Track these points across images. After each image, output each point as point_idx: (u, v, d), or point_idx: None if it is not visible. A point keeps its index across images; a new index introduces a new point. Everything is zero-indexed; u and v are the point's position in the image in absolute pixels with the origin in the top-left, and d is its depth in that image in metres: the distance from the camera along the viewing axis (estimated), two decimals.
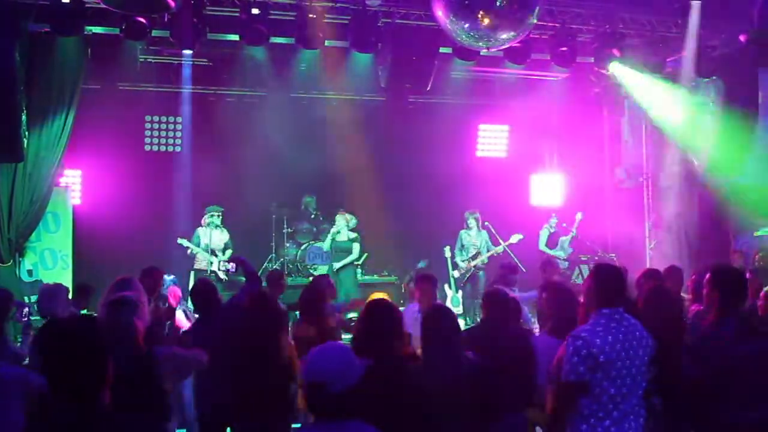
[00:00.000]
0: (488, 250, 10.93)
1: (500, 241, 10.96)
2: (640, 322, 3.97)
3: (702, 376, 3.87)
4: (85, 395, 2.50)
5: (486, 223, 11.15)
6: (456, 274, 10.90)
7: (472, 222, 11.03)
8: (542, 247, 11.49)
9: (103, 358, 2.56)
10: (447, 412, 3.74)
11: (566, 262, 11.33)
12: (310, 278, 10.95)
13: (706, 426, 3.90)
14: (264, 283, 7.14)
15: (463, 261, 10.95)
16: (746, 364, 3.82)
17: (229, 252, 10.45)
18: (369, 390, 2.74)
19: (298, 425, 5.39)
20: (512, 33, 7.43)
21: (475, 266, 10.91)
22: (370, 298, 6.08)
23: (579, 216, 11.45)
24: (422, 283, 6.08)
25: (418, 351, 4.24)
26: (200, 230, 10.48)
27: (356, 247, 10.97)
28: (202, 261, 10.39)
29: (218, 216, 10.47)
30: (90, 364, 2.53)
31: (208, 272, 10.24)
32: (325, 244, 11.16)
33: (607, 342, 3.57)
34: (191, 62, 10.69)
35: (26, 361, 5.39)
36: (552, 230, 11.61)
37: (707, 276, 4.09)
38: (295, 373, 4.88)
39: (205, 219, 10.46)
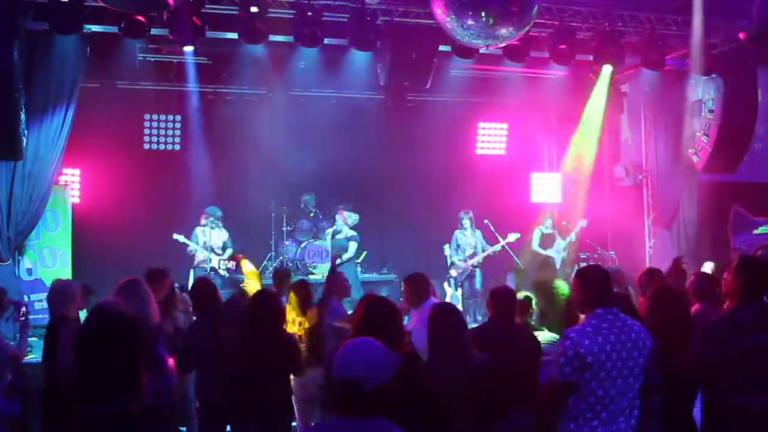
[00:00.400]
0: (483, 250, 10.95)
1: (499, 239, 10.98)
2: (641, 321, 3.96)
3: (715, 358, 3.87)
4: (108, 397, 2.46)
5: (485, 221, 11.16)
6: (453, 273, 10.91)
7: (466, 222, 11.02)
8: (535, 247, 11.47)
9: (131, 360, 2.52)
10: (454, 409, 3.74)
11: (560, 262, 11.32)
12: (309, 276, 10.99)
13: (715, 408, 3.91)
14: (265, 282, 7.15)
15: (460, 260, 10.96)
16: (761, 353, 3.82)
17: (229, 251, 10.46)
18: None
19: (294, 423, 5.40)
20: (512, 31, 7.44)
21: (472, 265, 10.93)
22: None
23: (582, 223, 11.43)
24: (410, 283, 6.04)
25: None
26: (198, 230, 10.49)
27: (353, 246, 10.98)
28: (200, 256, 10.40)
29: (215, 219, 10.48)
30: (119, 365, 2.48)
31: (208, 269, 10.28)
32: (326, 243, 11.20)
33: (596, 343, 3.54)
34: (190, 60, 10.66)
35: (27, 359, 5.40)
36: (546, 231, 11.58)
37: (734, 263, 4.12)
38: (298, 370, 4.89)
39: (203, 219, 10.48)
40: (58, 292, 5.05)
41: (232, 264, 10.26)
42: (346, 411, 2.54)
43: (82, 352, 2.52)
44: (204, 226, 10.46)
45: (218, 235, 10.54)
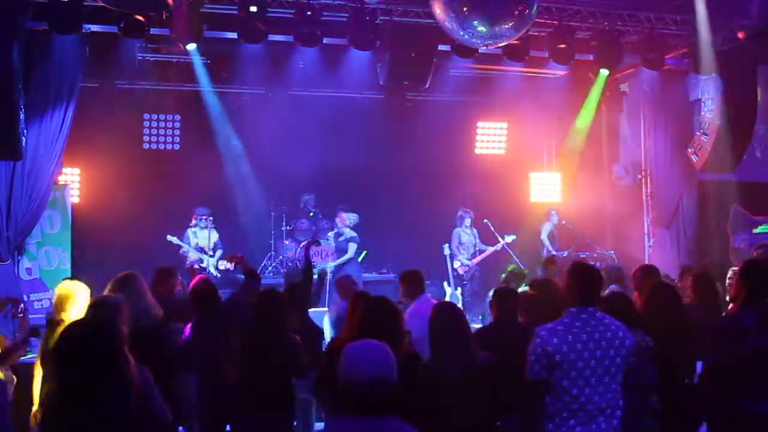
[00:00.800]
0: (481, 250, 11.05)
1: (499, 239, 11.02)
2: (640, 320, 3.94)
3: (720, 363, 3.86)
4: (97, 398, 2.45)
5: (485, 221, 11.20)
6: (461, 271, 10.96)
7: (468, 220, 11.10)
8: (544, 237, 11.53)
9: (114, 361, 2.50)
10: (456, 408, 3.74)
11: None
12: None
13: (722, 413, 3.89)
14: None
15: (466, 259, 11.01)
16: (764, 355, 3.81)
17: (219, 252, 10.52)
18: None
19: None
20: (511, 31, 7.44)
21: (476, 263, 11.03)
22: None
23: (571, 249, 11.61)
24: (404, 279, 6.09)
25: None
26: (189, 231, 10.55)
27: (352, 247, 11.02)
28: (192, 257, 10.46)
29: (206, 218, 10.54)
30: (101, 368, 2.48)
31: (207, 270, 10.31)
32: (328, 243, 11.27)
33: (565, 341, 3.53)
34: (190, 60, 10.64)
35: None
36: (553, 229, 11.65)
37: (739, 266, 4.12)
38: (301, 372, 4.88)
39: (193, 220, 10.53)
40: (64, 295, 5.03)
41: (230, 264, 10.27)
42: (359, 411, 2.54)
43: (64, 361, 2.52)
44: (194, 227, 10.52)
45: (209, 236, 10.60)
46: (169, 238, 10.32)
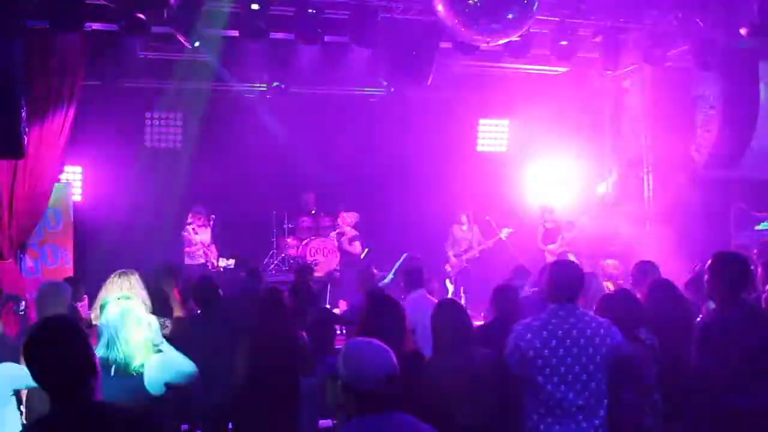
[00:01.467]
0: (480, 244, 11.08)
1: (499, 234, 11.03)
2: (642, 319, 3.92)
3: (713, 364, 3.85)
4: (63, 393, 2.46)
5: (487, 218, 11.20)
6: (448, 268, 10.97)
7: (463, 217, 11.12)
8: (539, 244, 11.51)
9: (73, 355, 2.51)
10: (457, 406, 3.74)
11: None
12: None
13: (719, 413, 3.90)
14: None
15: (455, 256, 11.01)
16: (758, 351, 3.80)
17: (212, 248, 10.62)
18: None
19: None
20: (513, 29, 7.45)
21: (466, 260, 11.02)
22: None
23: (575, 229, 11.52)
24: (404, 273, 6.17)
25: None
26: (189, 228, 10.68)
27: (356, 245, 11.06)
28: (198, 257, 10.52)
29: (203, 217, 10.64)
30: (60, 362, 2.49)
31: (210, 267, 10.41)
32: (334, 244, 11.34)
33: (539, 337, 3.50)
34: (191, 58, 10.64)
35: None
36: (548, 225, 11.62)
37: (708, 263, 4.08)
38: (306, 369, 4.89)
39: (190, 218, 10.70)
40: (46, 295, 5.02)
41: (230, 262, 10.35)
42: (371, 409, 2.54)
43: (27, 360, 2.54)
44: (191, 224, 10.64)
45: (206, 233, 10.70)
46: (184, 233, 10.48)
